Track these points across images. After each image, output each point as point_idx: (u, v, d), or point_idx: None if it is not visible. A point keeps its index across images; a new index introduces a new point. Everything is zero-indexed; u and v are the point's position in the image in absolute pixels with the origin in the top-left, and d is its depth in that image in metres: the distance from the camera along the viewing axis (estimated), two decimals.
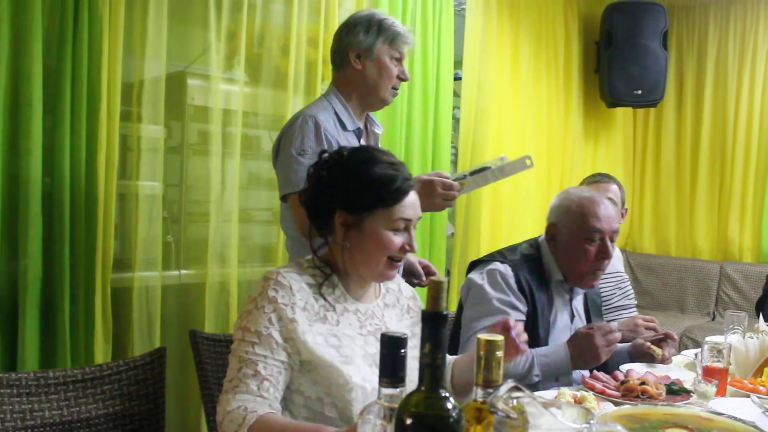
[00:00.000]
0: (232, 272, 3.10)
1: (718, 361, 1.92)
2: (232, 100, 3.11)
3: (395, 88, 2.40)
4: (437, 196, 2.18)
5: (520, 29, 4.59)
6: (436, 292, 0.97)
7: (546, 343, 2.22)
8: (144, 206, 2.84)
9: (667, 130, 5.64)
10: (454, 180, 2.23)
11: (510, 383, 1.02)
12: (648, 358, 2.28)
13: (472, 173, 2.30)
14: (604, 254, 2.24)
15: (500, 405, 1.00)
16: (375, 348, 1.59)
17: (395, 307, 1.78)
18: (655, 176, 5.74)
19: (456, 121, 4.26)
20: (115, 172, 2.68)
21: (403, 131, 3.73)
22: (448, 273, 4.21)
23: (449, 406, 0.96)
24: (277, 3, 3.28)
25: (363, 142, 2.38)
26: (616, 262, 3.24)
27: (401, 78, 2.39)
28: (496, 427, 1.01)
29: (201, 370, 1.97)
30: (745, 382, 2.01)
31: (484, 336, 1.05)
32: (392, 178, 1.59)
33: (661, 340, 2.33)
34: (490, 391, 1.03)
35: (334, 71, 2.42)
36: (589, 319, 2.45)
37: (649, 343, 2.30)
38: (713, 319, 5.13)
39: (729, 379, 1.99)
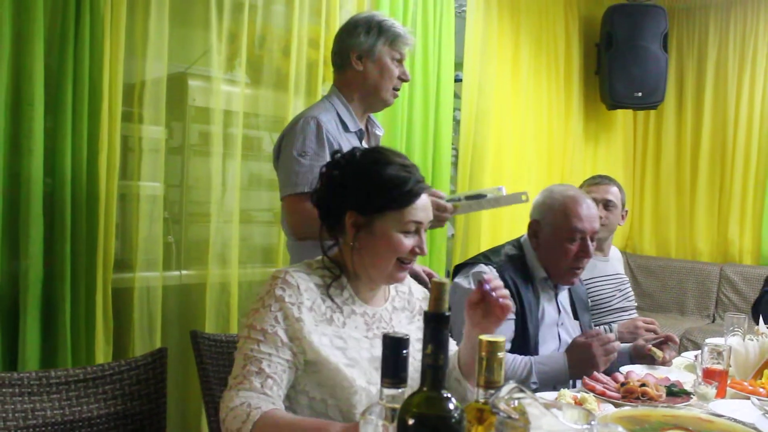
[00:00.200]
0: (233, 273, 3.10)
1: (718, 363, 1.93)
2: (233, 101, 3.11)
3: (396, 89, 2.41)
4: None
5: (521, 31, 4.60)
6: (438, 294, 0.97)
7: (536, 341, 2.25)
8: (145, 207, 2.84)
9: (667, 133, 5.64)
10: (448, 201, 2.24)
11: (511, 384, 1.02)
12: (648, 360, 2.29)
13: (468, 197, 2.33)
14: (584, 253, 2.29)
15: (502, 406, 1.00)
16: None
17: (405, 310, 1.76)
18: (655, 178, 5.74)
19: (456, 122, 4.27)
20: (117, 172, 2.68)
21: (404, 133, 3.74)
22: (448, 274, 4.21)
23: (451, 406, 0.97)
24: (278, 4, 3.29)
25: (364, 143, 2.39)
26: (617, 264, 3.25)
27: (402, 78, 2.41)
28: (497, 428, 1.01)
29: (202, 370, 1.97)
30: (745, 384, 2.01)
31: (485, 337, 1.05)
32: (404, 180, 1.59)
33: (662, 343, 2.34)
34: (492, 391, 1.04)
35: (336, 73, 2.43)
36: (575, 314, 2.47)
37: (650, 345, 2.30)
38: (713, 321, 5.13)
39: (729, 381, 1.99)
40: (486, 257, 2.36)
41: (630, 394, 1.85)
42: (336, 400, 1.55)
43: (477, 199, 2.32)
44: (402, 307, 1.76)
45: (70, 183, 2.54)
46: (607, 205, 3.10)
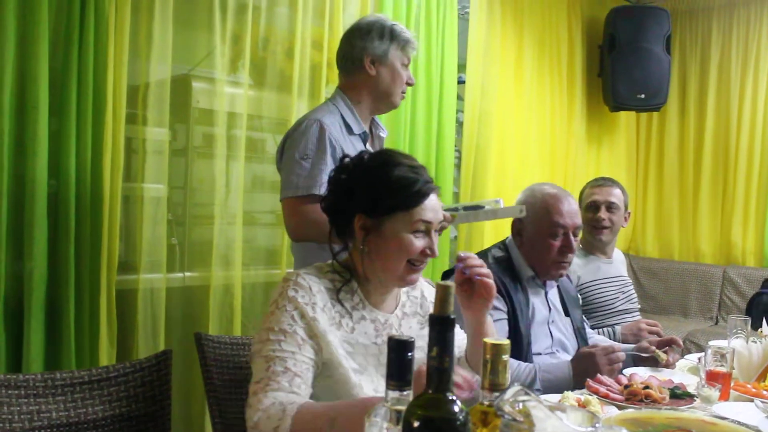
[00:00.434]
0: (236, 275, 3.11)
1: (722, 365, 1.93)
2: (236, 103, 3.12)
3: (404, 92, 2.44)
4: None
5: (524, 33, 4.60)
6: (443, 296, 0.98)
7: (528, 340, 2.26)
8: (149, 208, 2.85)
9: (670, 134, 5.64)
10: (445, 210, 2.24)
11: (516, 387, 1.02)
12: (652, 362, 2.29)
13: (466, 208, 2.35)
14: (567, 248, 2.32)
15: (507, 408, 1.00)
16: None
17: (416, 315, 1.75)
18: (658, 180, 5.73)
19: (459, 124, 4.27)
20: (121, 174, 2.69)
21: (407, 134, 3.74)
22: None
23: (456, 409, 0.97)
24: (282, 6, 3.29)
25: (368, 145, 2.39)
26: (620, 266, 3.25)
27: (408, 83, 2.43)
28: (502, 430, 1.02)
29: (206, 372, 1.97)
30: (749, 386, 2.01)
31: (490, 340, 1.06)
32: (412, 180, 1.58)
33: (667, 345, 2.34)
34: (497, 394, 1.04)
35: (343, 75, 2.43)
36: (566, 311, 2.48)
37: (654, 347, 2.30)
38: (716, 324, 5.12)
39: (732, 384, 1.99)
40: None
41: (633, 397, 1.85)
42: None
43: (474, 210, 2.33)
44: (413, 313, 1.74)
45: (74, 185, 2.55)
46: (610, 207, 3.10)
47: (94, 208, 2.61)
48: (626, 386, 1.89)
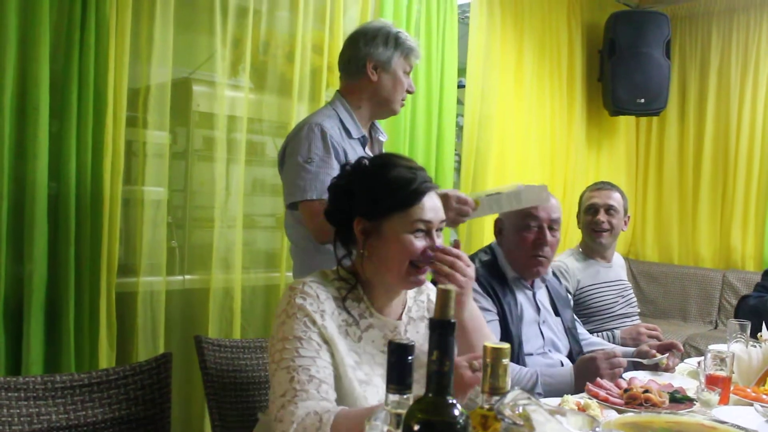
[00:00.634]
0: (236, 278, 3.11)
1: (721, 369, 1.93)
2: (237, 107, 3.12)
3: (404, 99, 2.44)
4: (451, 209, 2.12)
5: (524, 37, 4.60)
6: (443, 300, 0.98)
7: (520, 340, 2.27)
8: (149, 211, 2.85)
9: (669, 139, 5.65)
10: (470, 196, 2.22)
11: (516, 391, 1.03)
12: (652, 366, 2.29)
13: (488, 195, 2.29)
14: (541, 241, 2.33)
15: (507, 412, 1.00)
16: None
17: (424, 319, 1.72)
18: (657, 184, 5.74)
19: (459, 128, 4.28)
20: (121, 177, 2.69)
21: (407, 138, 3.75)
22: None
23: (456, 412, 0.97)
24: (283, 10, 3.30)
25: (368, 149, 2.39)
26: (619, 270, 3.26)
27: (408, 91, 2.43)
28: None
29: (206, 375, 1.97)
30: (748, 390, 2.01)
31: (490, 344, 1.06)
32: (409, 179, 1.57)
33: (666, 349, 2.34)
34: (497, 398, 1.04)
35: (345, 79, 2.43)
36: (556, 311, 2.49)
37: (654, 351, 2.31)
38: (716, 328, 5.13)
39: (732, 388, 1.99)
40: None
41: (633, 401, 1.84)
42: None
43: (496, 196, 2.28)
44: (420, 317, 1.72)
45: (74, 187, 2.55)
46: (609, 210, 3.11)
47: (95, 211, 2.61)
48: (626, 390, 1.89)
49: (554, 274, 3.02)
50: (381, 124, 2.57)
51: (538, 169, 4.80)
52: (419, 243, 1.56)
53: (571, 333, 2.49)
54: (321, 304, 1.53)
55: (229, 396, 2.01)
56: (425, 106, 3.86)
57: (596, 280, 3.09)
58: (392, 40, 2.35)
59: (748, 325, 2.27)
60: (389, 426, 1.01)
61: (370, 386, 1.53)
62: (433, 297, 1.79)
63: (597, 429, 1.06)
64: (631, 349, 2.44)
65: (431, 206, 1.58)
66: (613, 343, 2.78)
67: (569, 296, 2.67)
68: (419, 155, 3.80)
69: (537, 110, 4.76)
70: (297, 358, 1.46)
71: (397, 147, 3.63)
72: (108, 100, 2.62)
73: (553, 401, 1.81)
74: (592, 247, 3.15)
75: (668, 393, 1.90)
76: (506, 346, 1.05)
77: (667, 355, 2.28)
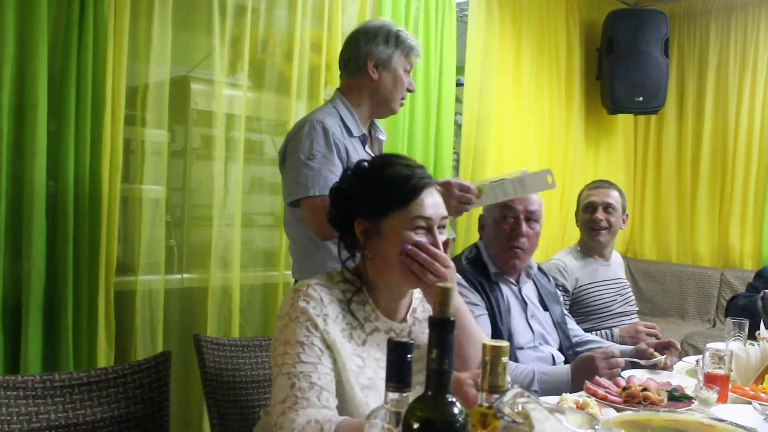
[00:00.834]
0: (235, 276, 3.11)
1: (720, 367, 1.93)
2: (235, 105, 3.12)
3: (403, 98, 2.44)
4: (453, 197, 2.11)
5: (522, 35, 4.60)
6: (443, 298, 0.98)
7: (510, 334, 2.29)
8: (147, 210, 2.85)
9: (668, 137, 5.65)
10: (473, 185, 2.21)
11: (516, 389, 1.03)
12: (650, 365, 2.29)
13: (492, 182, 2.26)
14: (516, 231, 2.35)
15: (506, 410, 1.00)
16: None
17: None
18: (656, 183, 5.74)
19: (458, 126, 4.28)
20: (119, 175, 2.69)
21: (406, 137, 3.75)
22: None
23: (455, 411, 0.97)
24: (281, 9, 3.29)
25: (367, 148, 2.39)
26: (618, 269, 3.26)
27: (408, 89, 2.43)
28: None
29: (205, 373, 1.98)
30: (747, 388, 2.01)
31: (489, 342, 1.06)
32: (406, 176, 1.55)
33: (664, 348, 2.34)
34: (496, 396, 1.04)
35: (345, 77, 2.43)
36: (544, 307, 2.50)
37: (651, 350, 2.31)
38: (714, 326, 5.13)
39: (730, 386, 1.99)
40: None
41: (632, 399, 1.85)
42: None
43: (500, 182, 2.24)
44: (425, 318, 1.69)
45: (72, 186, 2.55)
46: (607, 208, 3.11)
47: (93, 209, 2.61)
48: (624, 388, 1.89)
49: (549, 271, 3.04)
50: (380, 122, 2.57)
51: (536, 167, 4.78)
52: (421, 239, 1.54)
53: (560, 327, 2.50)
54: (324, 307, 1.51)
55: (228, 394, 2.01)
56: (424, 105, 3.86)
57: (595, 278, 3.10)
58: (393, 39, 2.35)
59: (746, 323, 2.28)
60: (389, 424, 1.01)
61: (374, 390, 1.51)
62: None
63: (596, 427, 1.06)
64: (630, 348, 2.44)
65: (431, 202, 1.56)
66: (612, 341, 2.78)
67: (558, 292, 2.68)
68: (417, 153, 3.80)
69: (535, 108, 4.76)
70: (298, 363, 1.44)
71: (396, 145, 3.63)
72: (106, 98, 2.62)
73: (552, 400, 1.82)
74: (591, 246, 3.16)
75: (667, 391, 1.90)
76: (505, 344, 1.05)
77: (665, 356, 2.28)
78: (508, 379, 1.07)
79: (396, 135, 3.65)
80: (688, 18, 5.56)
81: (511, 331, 2.30)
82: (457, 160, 4.32)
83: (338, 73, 2.47)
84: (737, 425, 1.67)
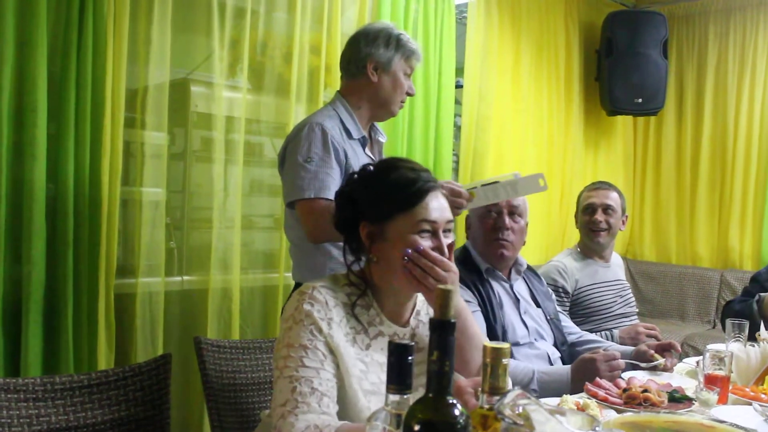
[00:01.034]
0: (235, 279, 3.11)
1: (720, 369, 1.93)
2: (234, 107, 3.12)
3: (403, 102, 2.44)
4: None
5: (521, 37, 4.61)
6: (443, 301, 0.98)
7: (503, 330, 2.31)
8: (147, 212, 2.85)
9: (667, 139, 5.65)
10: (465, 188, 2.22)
11: (517, 390, 1.03)
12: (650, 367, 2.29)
13: (484, 185, 2.28)
14: (500, 224, 2.41)
15: (507, 412, 1.00)
16: None
17: None
18: (655, 184, 5.75)
19: (457, 128, 4.28)
20: (119, 178, 2.69)
21: (405, 138, 3.75)
22: None
23: (456, 412, 0.97)
24: (280, 11, 3.30)
25: (368, 150, 2.40)
26: (618, 270, 3.26)
27: (408, 93, 2.43)
28: None
29: (205, 376, 1.98)
30: (747, 390, 2.01)
31: (490, 344, 1.06)
32: (411, 180, 1.55)
33: (664, 349, 2.34)
34: (497, 398, 1.04)
35: (345, 79, 2.43)
36: (537, 303, 2.52)
37: (652, 351, 2.31)
38: (714, 327, 5.13)
39: (730, 387, 1.99)
40: None
41: (632, 400, 1.85)
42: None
43: (492, 185, 2.28)
44: (427, 321, 1.68)
45: (72, 189, 2.55)
46: (606, 209, 3.12)
47: (93, 212, 2.61)
48: (625, 390, 1.89)
49: (549, 273, 3.05)
50: (380, 124, 2.57)
51: (536, 169, 4.79)
52: (425, 243, 1.54)
53: (553, 323, 2.52)
54: (329, 311, 1.50)
55: (228, 397, 2.01)
56: (423, 107, 3.86)
57: (594, 279, 3.10)
58: (394, 42, 2.35)
59: (746, 324, 2.28)
60: (389, 426, 1.01)
61: (377, 395, 1.50)
62: None
63: (597, 428, 1.06)
64: (630, 348, 2.44)
65: (436, 206, 1.56)
66: (612, 342, 2.78)
67: (550, 291, 2.70)
68: (417, 155, 3.81)
69: (534, 110, 4.76)
70: (301, 368, 1.44)
71: (395, 147, 3.63)
72: (106, 101, 2.62)
73: (552, 401, 1.82)
74: (590, 247, 3.16)
75: (667, 392, 1.90)
76: (506, 345, 1.05)
77: (664, 360, 2.28)
78: (509, 381, 1.07)
79: (395, 137, 3.65)
80: (687, 19, 5.56)
81: (505, 327, 2.32)
82: (457, 162, 4.32)
83: (338, 75, 2.48)
84: (738, 426, 1.68)
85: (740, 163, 5.28)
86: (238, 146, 3.12)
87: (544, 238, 4.92)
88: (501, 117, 4.47)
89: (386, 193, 1.55)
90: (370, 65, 2.34)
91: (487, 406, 1.06)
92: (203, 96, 3.10)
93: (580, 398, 1.84)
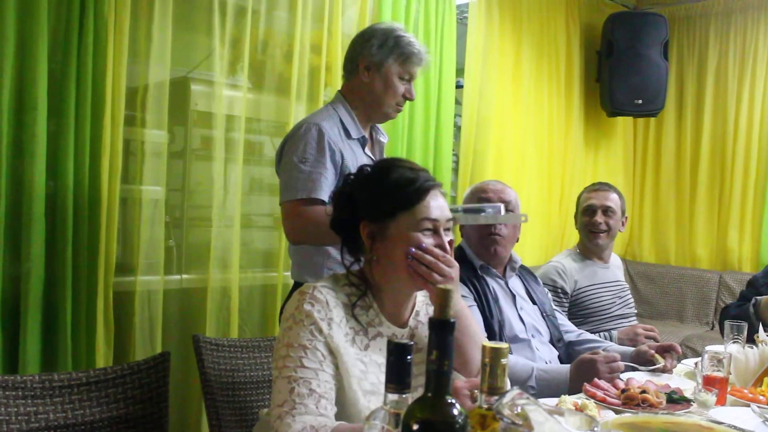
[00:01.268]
0: (234, 277, 3.11)
1: (719, 370, 1.93)
2: (235, 106, 3.12)
3: (399, 105, 2.40)
4: None
5: (522, 38, 4.61)
6: (443, 300, 0.98)
7: (501, 325, 2.33)
8: (147, 210, 2.84)
9: (667, 140, 5.66)
10: None
11: (515, 390, 1.03)
12: (649, 365, 2.29)
13: (466, 210, 2.33)
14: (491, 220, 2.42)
15: (506, 412, 1.00)
16: None
17: None
18: (655, 185, 5.75)
19: (457, 128, 4.28)
20: (119, 176, 2.68)
21: (405, 138, 3.75)
22: None
23: (455, 412, 0.97)
24: (281, 10, 3.29)
25: (368, 150, 2.39)
26: (617, 271, 3.26)
27: (407, 97, 2.39)
28: None
29: (203, 374, 1.98)
30: (745, 391, 2.01)
31: (489, 344, 1.06)
32: (411, 179, 1.56)
33: (664, 350, 2.34)
34: (496, 398, 1.04)
35: (345, 78, 2.44)
36: (533, 300, 2.54)
37: (652, 351, 2.31)
38: (712, 329, 5.14)
39: (729, 389, 1.99)
40: None
41: (630, 401, 1.85)
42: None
43: (474, 213, 2.32)
44: (426, 321, 1.67)
45: (72, 186, 2.54)
46: (606, 211, 3.12)
47: (92, 210, 2.60)
48: (623, 390, 1.90)
49: (547, 273, 3.05)
50: (381, 124, 2.56)
51: (536, 170, 4.80)
52: (428, 241, 1.55)
53: (549, 320, 2.54)
54: (329, 311, 1.51)
55: (227, 395, 2.01)
56: (423, 107, 3.86)
57: (593, 280, 3.10)
58: (390, 43, 2.32)
59: (745, 326, 2.28)
60: (388, 425, 1.01)
61: (377, 396, 1.50)
62: None
63: (595, 429, 1.06)
64: (630, 349, 2.44)
65: (436, 205, 1.58)
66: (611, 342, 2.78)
67: (546, 290, 2.70)
68: (417, 155, 3.81)
69: (535, 111, 4.77)
70: (299, 368, 1.44)
71: (395, 147, 3.63)
72: (106, 99, 2.62)
73: (551, 401, 1.82)
74: (590, 248, 3.16)
75: (665, 393, 1.90)
76: (505, 345, 1.05)
77: (663, 363, 2.28)
78: (507, 381, 1.07)
79: (395, 137, 3.65)
80: (688, 21, 5.56)
81: (502, 322, 2.34)
82: (457, 162, 4.32)
83: (338, 74, 2.49)
84: (736, 428, 1.68)
85: (740, 165, 5.29)
86: (238, 145, 3.11)
87: (544, 238, 4.92)
88: (501, 117, 4.46)
89: (388, 192, 1.56)
90: (362, 64, 2.34)
91: (485, 406, 1.06)
92: (203, 94, 3.10)
93: (579, 398, 1.84)
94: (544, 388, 2.13)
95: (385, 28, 2.38)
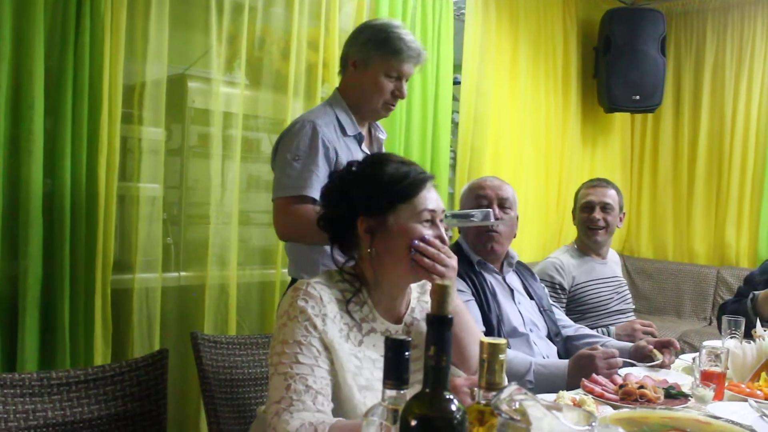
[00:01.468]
0: (232, 274, 3.11)
1: (716, 365, 1.93)
2: (232, 103, 3.12)
3: (389, 104, 2.37)
4: None
5: (520, 34, 4.61)
6: (441, 296, 0.98)
7: (499, 319, 2.33)
8: (144, 208, 2.84)
9: (664, 136, 5.66)
10: None
11: (513, 386, 1.03)
12: (648, 361, 2.30)
13: (455, 215, 2.31)
14: None
15: (504, 407, 1.01)
16: None
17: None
18: (652, 181, 5.76)
19: (455, 125, 4.27)
20: (116, 173, 2.68)
21: (402, 134, 3.75)
22: None
23: (453, 408, 0.97)
24: (278, 6, 3.29)
25: (364, 147, 2.39)
26: (614, 267, 3.26)
27: (396, 96, 2.35)
28: (499, 429, 1.02)
29: (202, 371, 1.98)
30: (743, 386, 2.02)
31: (487, 339, 1.06)
32: (405, 173, 1.58)
33: (663, 346, 2.35)
34: (493, 393, 1.04)
35: (340, 75, 2.44)
36: (530, 296, 2.55)
37: (650, 347, 2.31)
38: (710, 324, 5.15)
39: (726, 384, 1.99)
40: None
41: (628, 396, 1.85)
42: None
43: (462, 219, 2.32)
44: (423, 318, 1.69)
45: (69, 184, 2.54)
46: (604, 207, 3.12)
47: (90, 208, 2.60)
48: (621, 386, 1.90)
49: (545, 269, 3.05)
50: (379, 121, 2.56)
51: (533, 166, 4.81)
52: (428, 231, 1.57)
53: (547, 315, 2.54)
54: (324, 306, 1.51)
55: (225, 392, 2.01)
56: (421, 103, 3.86)
57: (591, 276, 3.10)
58: (379, 40, 2.29)
59: (743, 321, 2.28)
60: (386, 421, 1.01)
61: (371, 391, 1.50)
62: None
63: (593, 424, 1.06)
64: (628, 345, 2.44)
65: (433, 196, 1.60)
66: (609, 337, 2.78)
67: (543, 285, 2.71)
68: (414, 151, 3.81)
69: (532, 107, 4.77)
70: (295, 365, 1.44)
71: (393, 143, 3.63)
72: (103, 96, 2.61)
73: (549, 397, 1.82)
74: (588, 244, 3.16)
75: (663, 389, 1.90)
76: (503, 341, 1.05)
77: (661, 358, 2.29)
78: (505, 376, 1.07)
79: (393, 133, 3.65)
80: (685, 17, 5.57)
81: (500, 316, 2.34)
82: (454, 158, 4.32)
83: (335, 71, 2.49)
84: (733, 422, 1.68)
85: (737, 160, 5.30)
86: (236, 142, 3.11)
87: (541, 234, 4.93)
88: (498, 114, 4.47)
89: (385, 186, 1.57)
90: (350, 61, 2.34)
91: (483, 402, 1.06)
92: (200, 92, 3.10)
93: (577, 394, 1.84)
94: (542, 382, 2.13)
95: (376, 24, 2.37)
